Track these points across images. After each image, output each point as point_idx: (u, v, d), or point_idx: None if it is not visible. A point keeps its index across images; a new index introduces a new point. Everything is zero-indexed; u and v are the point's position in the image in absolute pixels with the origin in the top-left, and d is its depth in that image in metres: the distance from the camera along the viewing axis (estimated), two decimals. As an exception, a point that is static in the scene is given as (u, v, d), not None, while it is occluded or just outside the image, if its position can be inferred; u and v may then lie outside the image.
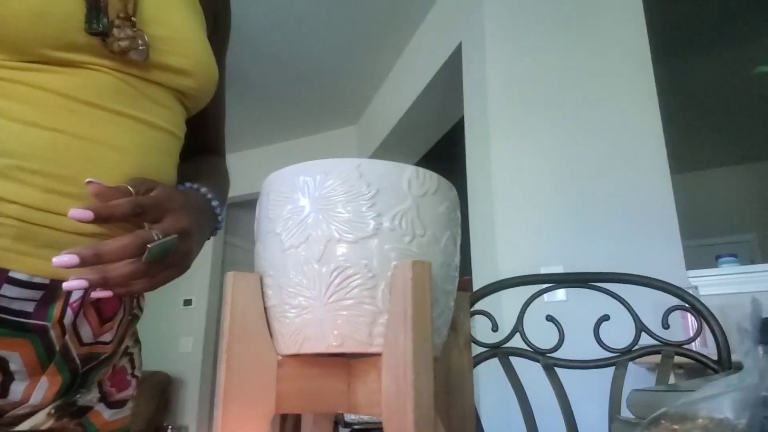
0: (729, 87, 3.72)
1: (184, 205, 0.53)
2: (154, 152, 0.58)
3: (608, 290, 0.91)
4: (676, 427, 0.33)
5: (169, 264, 0.50)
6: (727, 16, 2.95)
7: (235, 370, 0.40)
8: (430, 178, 0.42)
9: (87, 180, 0.47)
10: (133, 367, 0.63)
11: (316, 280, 0.40)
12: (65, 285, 0.44)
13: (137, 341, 0.65)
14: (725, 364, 0.85)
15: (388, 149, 3.94)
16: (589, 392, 1.23)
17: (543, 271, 2.06)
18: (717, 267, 2.12)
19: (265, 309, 0.43)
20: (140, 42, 0.54)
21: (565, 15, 2.38)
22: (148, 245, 0.46)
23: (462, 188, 1.94)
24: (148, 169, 0.56)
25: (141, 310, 0.64)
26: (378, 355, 0.40)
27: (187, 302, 4.76)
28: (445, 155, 3.52)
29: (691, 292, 0.90)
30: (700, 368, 1.52)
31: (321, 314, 0.40)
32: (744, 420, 0.32)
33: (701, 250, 3.71)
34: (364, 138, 4.45)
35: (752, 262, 3.73)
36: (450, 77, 2.95)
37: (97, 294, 0.46)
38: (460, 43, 2.73)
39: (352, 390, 0.44)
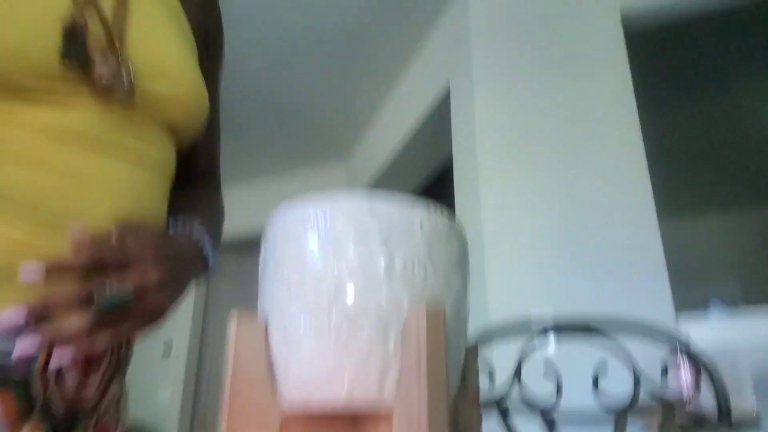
0: (713, 133, 3.82)
1: (158, 256, 0.50)
2: (142, 189, 0.56)
3: (609, 341, 0.89)
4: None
5: (135, 315, 0.48)
6: (710, 64, 3.06)
7: (236, 427, 0.37)
8: (441, 219, 0.41)
9: (70, 228, 0.46)
10: (117, 421, 0.59)
11: (324, 325, 0.37)
12: (16, 352, 0.43)
13: (123, 393, 0.61)
14: (725, 421, 0.84)
15: (376, 189, 3.92)
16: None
17: (533, 312, 2.03)
18: (706, 314, 2.11)
19: (269, 356, 0.40)
20: (124, 76, 0.52)
21: (552, 58, 2.44)
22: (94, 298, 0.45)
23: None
24: (136, 207, 0.54)
25: (128, 360, 0.61)
26: (388, 410, 0.37)
27: (167, 348, 4.60)
28: (435, 195, 3.52)
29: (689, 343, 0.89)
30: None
31: (329, 362, 0.37)
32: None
33: (684, 295, 3.71)
34: (352, 177, 4.45)
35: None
36: (440, 116, 2.97)
37: (61, 357, 0.45)
38: (449, 82, 2.77)
39: (359, 447, 0.41)
